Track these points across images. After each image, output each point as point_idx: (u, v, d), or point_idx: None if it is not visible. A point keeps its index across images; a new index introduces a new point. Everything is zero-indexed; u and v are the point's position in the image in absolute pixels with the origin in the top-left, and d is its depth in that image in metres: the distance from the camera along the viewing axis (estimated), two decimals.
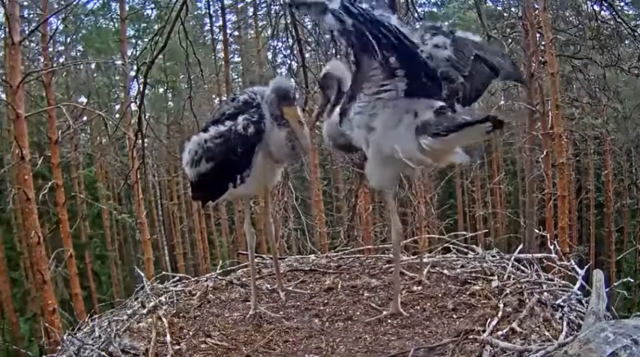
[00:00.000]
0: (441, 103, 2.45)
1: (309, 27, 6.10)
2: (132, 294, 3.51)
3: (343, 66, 2.97)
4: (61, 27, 13.02)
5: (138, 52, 12.90)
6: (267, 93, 2.80)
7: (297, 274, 3.62)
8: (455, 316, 2.75)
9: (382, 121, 2.50)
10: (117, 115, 14.57)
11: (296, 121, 2.73)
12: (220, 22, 15.93)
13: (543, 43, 10.05)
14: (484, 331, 2.44)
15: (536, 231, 9.16)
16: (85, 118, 15.40)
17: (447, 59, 2.61)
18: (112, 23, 16.59)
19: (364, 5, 2.17)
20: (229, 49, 17.25)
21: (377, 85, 2.46)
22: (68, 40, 15.56)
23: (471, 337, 2.42)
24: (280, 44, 7.49)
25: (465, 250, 3.64)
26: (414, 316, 2.82)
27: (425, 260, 3.50)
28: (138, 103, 6.10)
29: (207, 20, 17.29)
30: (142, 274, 3.65)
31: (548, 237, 4.91)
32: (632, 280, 11.86)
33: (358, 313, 2.94)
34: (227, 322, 2.97)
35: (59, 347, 3.00)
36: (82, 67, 16.56)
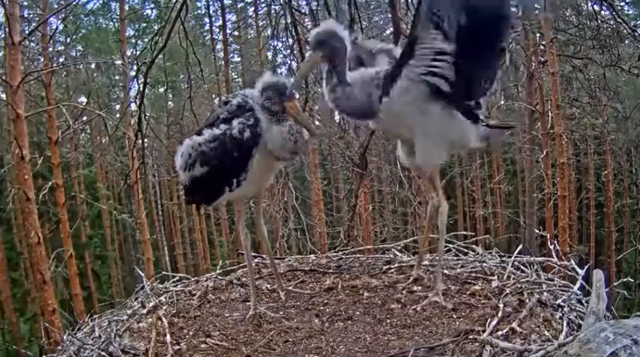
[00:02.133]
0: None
1: (309, 27, 6.09)
2: (132, 294, 3.50)
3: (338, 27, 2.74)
4: (61, 27, 13.02)
5: (138, 52, 12.90)
6: (256, 92, 2.78)
7: (297, 274, 3.61)
8: (455, 316, 2.75)
9: (439, 110, 2.62)
10: (117, 115, 14.56)
11: (301, 114, 2.73)
12: (220, 22, 15.96)
13: (543, 42, 10.06)
14: (484, 331, 2.43)
15: (536, 231, 9.18)
16: (85, 118, 15.42)
17: None
18: (111, 23, 16.61)
19: None
20: (229, 49, 17.26)
21: (426, 64, 2.52)
22: (68, 40, 15.54)
23: (471, 337, 2.42)
24: (280, 44, 7.50)
25: (465, 251, 3.64)
26: (414, 316, 2.82)
27: (425, 262, 3.51)
28: (138, 103, 6.10)
29: (207, 20, 17.31)
30: (142, 274, 3.64)
31: (548, 237, 4.92)
32: (632, 280, 11.86)
33: (358, 313, 2.93)
34: (227, 322, 2.97)
35: (59, 347, 2.99)
36: (82, 67, 16.55)
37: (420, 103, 2.60)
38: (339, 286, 3.30)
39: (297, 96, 2.84)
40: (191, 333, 2.83)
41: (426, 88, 2.58)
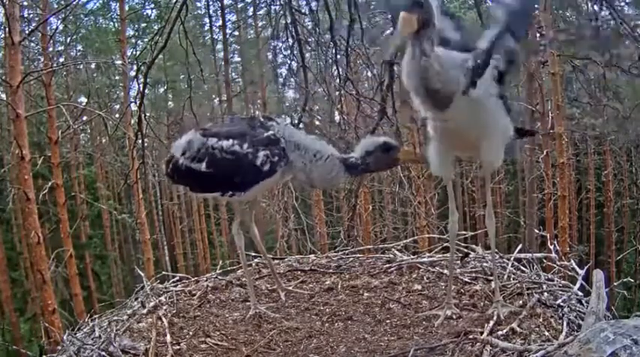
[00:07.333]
0: None
1: (309, 27, 6.09)
2: (132, 294, 3.51)
3: None
4: (61, 27, 13.02)
5: (138, 52, 12.90)
6: (361, 152, 2.83)
7: (297, 274, 3.61)
8: (455, 317, 2.75)
9: (501, 111, 2.65)
10: (117, 115, 14.55)
11: (416, 155, 2.95)
12: (220, 22, 15.95)
13: (543, 42, 10.04)
14: (484, 332, 2.44)
15: (536, 231, 9.18)
16: (85, 118, 15.41)
17: None
18: (111, 23, 16.63)
19: None
20: (229, 49, 17.25)
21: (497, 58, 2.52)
22: (68, 40, 15.54)
23: (471, 337, 2.42)
24: (280, 44, 7.47)
25: (466, 250, 3.64)
26: (414, 316, 2.82)
27: (424, 260, 3.51)
28: (138, 103, 6.08)
29: (207, 20, 17.30)
30: (142, 274, 3.64)
31: (548, 237, 4.92)
32: (632, 280, 11.87)
33: (358, 313, 2.94)
34: (227, 322, 2.97)
35: (59, 347, 3.00)
36: (82, 67, 16.53)
37: (488, 98, 2.55)
38: (339, 286, 3.30)
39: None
40: (191, 333, 2.84)
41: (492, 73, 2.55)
